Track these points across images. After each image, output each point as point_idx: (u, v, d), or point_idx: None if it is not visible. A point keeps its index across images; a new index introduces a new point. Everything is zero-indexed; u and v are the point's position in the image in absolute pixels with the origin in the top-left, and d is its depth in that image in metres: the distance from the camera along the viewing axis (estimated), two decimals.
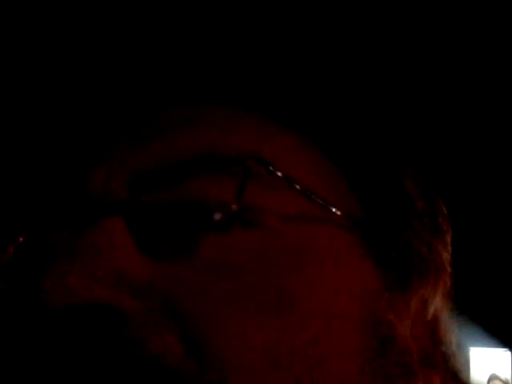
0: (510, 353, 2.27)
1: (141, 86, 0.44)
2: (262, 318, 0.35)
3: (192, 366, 0.33)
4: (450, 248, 0.44)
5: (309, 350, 0.35)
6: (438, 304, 0.42)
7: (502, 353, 2.27)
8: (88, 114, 0.43)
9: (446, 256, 0.43)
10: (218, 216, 0.37)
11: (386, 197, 0.42)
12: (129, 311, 0.34)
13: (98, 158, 0.41)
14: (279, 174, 0.38)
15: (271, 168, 0.38)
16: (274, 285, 0.36)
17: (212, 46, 0.46)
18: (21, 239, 0.40)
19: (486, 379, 2.19)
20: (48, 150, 0.43)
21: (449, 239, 0.44)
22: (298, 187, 0.38)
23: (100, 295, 0.34)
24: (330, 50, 0.46)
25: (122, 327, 0.34)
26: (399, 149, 0.45)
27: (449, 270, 0.43)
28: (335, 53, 0.46)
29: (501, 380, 2.22)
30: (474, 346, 2.11)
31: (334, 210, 0.39)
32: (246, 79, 0.44)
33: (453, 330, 0.43)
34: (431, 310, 0.41)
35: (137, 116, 0.42)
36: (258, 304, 0.35)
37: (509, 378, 2.23)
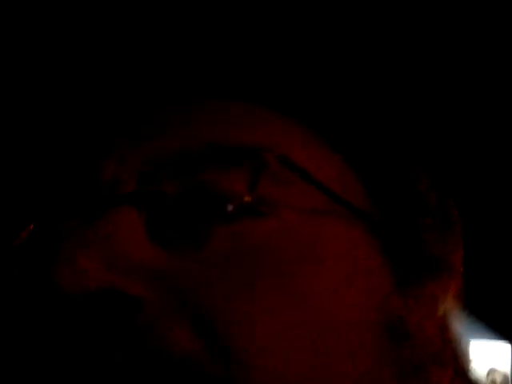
0: (509, 345, 2.27)
1: (153, 78, 0.44)
2: (275, 310, 0.35)
3: (203, 356, 0.33)
4: (462, 248, 0.44)
5: (321, 341, 0.35)
6: (448, 303, 0.42)
7: (501, 345, 2.28)
8: (99, 103, 0.43)
9: (458, 256, 0.43)
10: (230, 207, 0.37)
11: (399, 194, 0.42)
12: (141, 298, 0.34)
13: (110, 147, 0.40)
14: (294, 167, 0.38)
15: (286, 161, 0.38)
16: (287, 276, 0.36)
17: (223, 41, 0.46)
18: (32, 226, 0.40)
19: (485, 372, 2.20)
20: (58, 140, 0.43)
21: (461, 239, 0.44)
22: (312, 181, 0.38)
23: (112, 281, 0.34)
24: (346, 50, 0.45)
25: (133, 314, 0.34)
26: (412, 147, 0.45)
27: (461, 269, 0.43)
28: (352, 52, 0.45)
29: (500, 373, 2.23)
30: (474, 338, 2.12)
31: (347, 205, 0.39)
32: (259, 75, 0.44)
33: (462, 330, 0.43)
34: (442, 308, 0.42)
35: (147, 108, 0.42)
36: (270, 296, 0.35)
37: (508, 371, 2.24)
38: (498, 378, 2.23)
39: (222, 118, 0.41)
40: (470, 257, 0.44)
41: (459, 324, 0.43)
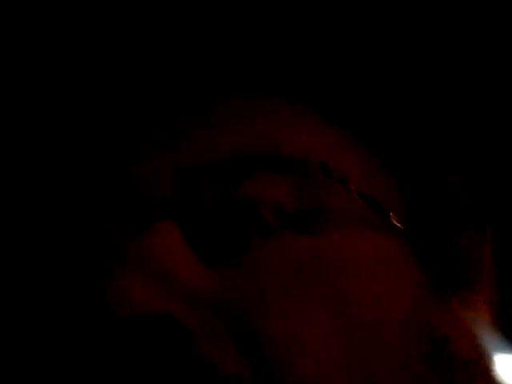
0: None
1: (187, 77, 0.43)
2: (322, 331, 0.35)
3: (252, 379, 0.33)
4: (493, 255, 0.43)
5: (368, 360, 0.35)
6: (483, 312, 0.41)
7: None
8: (132, 109, 0.42)
9: (493, 264, 0.42)
10: (275, 219, 0.36)
11: (437, 201, 0.42)
12: (189, 323, 0.34)
13: (146, 156, 0.40)
14: (338, 178, 0.38)
15: (331, 172, 0.38)
16: (330, 292, 0.36)
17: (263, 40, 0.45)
18: (71, 236, 0.39)
19: None
20: (93, 147, 0.42)
21: (493, 246, 0.43)
22: (355, 192, 0.38)
23: (159, 304, 0.34)
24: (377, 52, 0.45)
25: (180, 338, 0.33)
26: (447, 150, 0.44)
27: (496, 277, 0.42)
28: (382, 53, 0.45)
29: None
30: (498, 352, 2.09)
31: (388, 215, 0.39)
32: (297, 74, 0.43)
33: (494, 339, 0.43)
34: (477, 317, 0.41)
35: (187, 107, 0.41)
36: (316, 315, 0.35)
37: None
38: None
39: (263, 121, 0.40)
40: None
41: (492, 332, 0.42)
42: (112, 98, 0.43)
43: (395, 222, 0.39)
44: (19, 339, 0.38)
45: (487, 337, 0.42)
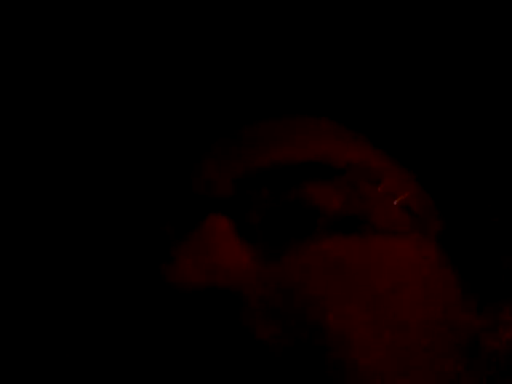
0: None
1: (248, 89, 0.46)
2: (362, 316, 0.38)
3: (296, 350, 0.36)
4: None
5: (401, 348, 0.38)
6: None
7: None
8: (191, 113, 0.46)
9: None
10: (322, 221, 0.40)
11: (473, 215, 0.44)
12: (243, 296, 0.37)
13: (205, 156, 0.44)
14: (383, 188, 0.42)
15: (377, 182, 0.41)
16: (369, 286, 0.39)
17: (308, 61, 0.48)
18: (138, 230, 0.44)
19: None
20: (156, 148, 0.46)
21: None
22: (398, 201, 0.41)
23: (213, 281, 0.38)
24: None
25: (236, 310, 0.37)
26: (482, 165, 0.46)
27: None
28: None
29: None
30: None
31: (426, 224, 0.42)
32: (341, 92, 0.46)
33: None
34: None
35: (240, 120, 0.45)
36: (356, 300, 0.38)
37: None
38: None
39: (313, 135, 0.44)
40: None
41: None
42: (177, 109, 0.47)
43: (433, 232, 0.42)
44: (94, 310, 0.44)
45: None
